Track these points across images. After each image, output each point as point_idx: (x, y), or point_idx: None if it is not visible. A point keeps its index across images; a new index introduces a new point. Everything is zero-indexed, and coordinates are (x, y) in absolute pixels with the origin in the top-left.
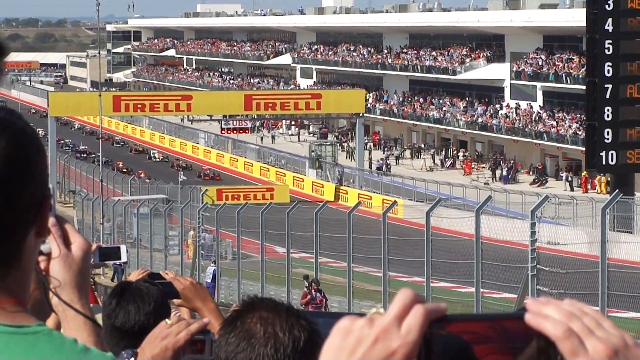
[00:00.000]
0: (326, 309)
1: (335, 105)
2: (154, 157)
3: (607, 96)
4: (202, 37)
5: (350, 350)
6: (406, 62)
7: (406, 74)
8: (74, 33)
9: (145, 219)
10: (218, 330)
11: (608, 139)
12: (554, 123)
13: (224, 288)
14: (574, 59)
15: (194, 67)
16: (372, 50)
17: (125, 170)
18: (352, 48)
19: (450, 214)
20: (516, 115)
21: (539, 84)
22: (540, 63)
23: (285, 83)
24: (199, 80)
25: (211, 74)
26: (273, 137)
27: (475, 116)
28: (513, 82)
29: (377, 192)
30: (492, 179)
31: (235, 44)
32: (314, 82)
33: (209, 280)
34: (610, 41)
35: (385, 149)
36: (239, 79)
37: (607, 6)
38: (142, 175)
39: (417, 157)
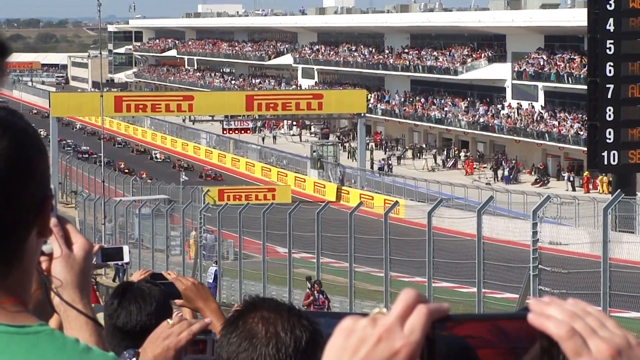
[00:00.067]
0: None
1: (337, 105)
2: (156, 158)
3: (609, 96)
4: (204, 37)
5: (353, 350)
6: (407, 62)
7: (408, 74)
8: (75, 33)
9: (147, 220)
10: (220, 330)
11: (610, 139)
12: (556, 123)
13: (225, 288)
14: (575, 59)
15: (196, 67)
16: (374, 51)
17: (127, 170)
18: (353, 48)
19: (452, 214)
20: (518, 115)
21: (540, 84)
22: (541, 63)
23: (287, 83)
24: (201, 80)
25: (212, 74)
26: (275, 137)
27: (477, 116)
28: (514, 82)
29: (378, 193)
30: (494, 179)
31: (236, 44)
32: (316, 82)
33: (211, 281)
34: (612, 41)
35: (387, 149)
36: (241, 80)
37: (608, 6)
38: (144, 175)
39: (419, 157)
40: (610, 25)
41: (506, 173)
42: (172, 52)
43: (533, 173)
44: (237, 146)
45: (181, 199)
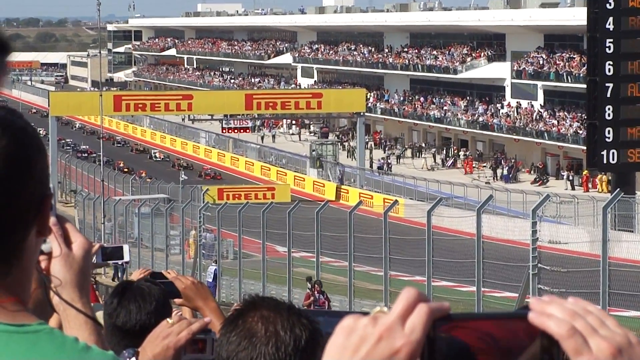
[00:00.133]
0: None
1: (336, 104)
2: (155, 157)
3: (608, 95)
4: (203, 36)
5: (354, 349)
6: (407, 62)
7: (407, 73)
8: (74, 33)
9: (147, 219)
10: (219, 330)
11: (609, 137)
12: (555, 122)
13: (225, 287)
14: (574, 58)
15: (195, 66)
16: (373, 50)
17: (126, 169)
18: (352, 47)
19: (451, 213)
20: (517, 114)
21: (539, 83)
22: (541, 62)
23: (286, 82)
24: (200, 79)
25: (212, 73)
26: (274, 136)
27: (476, 115)
28: (514, 81)
29: (378, 192)
30: (493, 178)
31: (235, 43)
32: (315, 81)
33: (210, 280)
34: (611, 40)
35: (386, 148)
36: (240, 79)
37: (608, 5)
38: (143, 174)
39: (418, 157)
40: (609, 24)
41: (505, 172)
42: (172, 51)
43: (532, 172)
44: (236, 145)
45: (180, 198)
